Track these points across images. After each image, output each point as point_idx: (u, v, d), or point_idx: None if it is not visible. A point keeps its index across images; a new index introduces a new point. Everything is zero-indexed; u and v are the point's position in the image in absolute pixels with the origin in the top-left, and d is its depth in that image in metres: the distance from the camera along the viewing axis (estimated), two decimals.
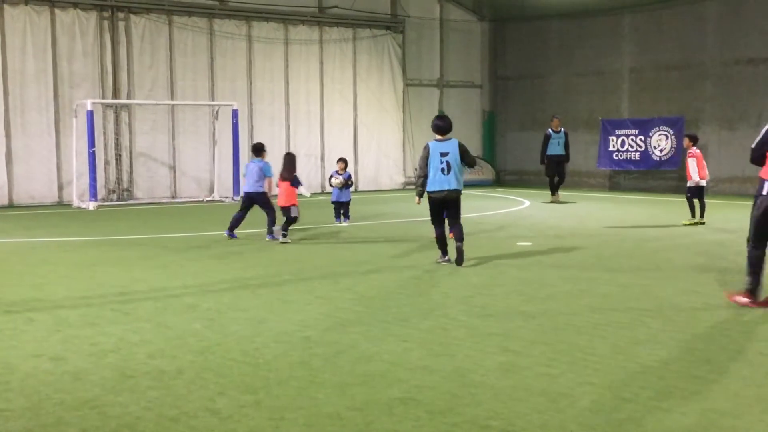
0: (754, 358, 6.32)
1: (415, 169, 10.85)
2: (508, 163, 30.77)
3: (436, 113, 29.28)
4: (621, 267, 11.09)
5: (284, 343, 6.92)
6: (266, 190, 14.30)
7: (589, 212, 18.87)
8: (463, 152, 11.04)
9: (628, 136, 26.44)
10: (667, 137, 25.32)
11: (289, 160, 14.36)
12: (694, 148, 16.47)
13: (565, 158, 22.41)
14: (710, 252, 12.40)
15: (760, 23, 23.99)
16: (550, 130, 22.43)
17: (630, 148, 26.38)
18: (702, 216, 16.28)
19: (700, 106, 25.43)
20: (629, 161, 26.29)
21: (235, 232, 14.42)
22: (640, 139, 26.13)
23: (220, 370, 6.13)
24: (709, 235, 14.57)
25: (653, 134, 25.67)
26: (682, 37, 25.82)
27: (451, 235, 11.35)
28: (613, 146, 26.58)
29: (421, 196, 11.37)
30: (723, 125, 24.93)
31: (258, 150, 14.76)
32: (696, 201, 16.27)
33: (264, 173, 14.22)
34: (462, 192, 11.18)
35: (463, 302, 8.64)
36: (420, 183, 11.19)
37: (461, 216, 11.36)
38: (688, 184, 16.31)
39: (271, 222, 14.18)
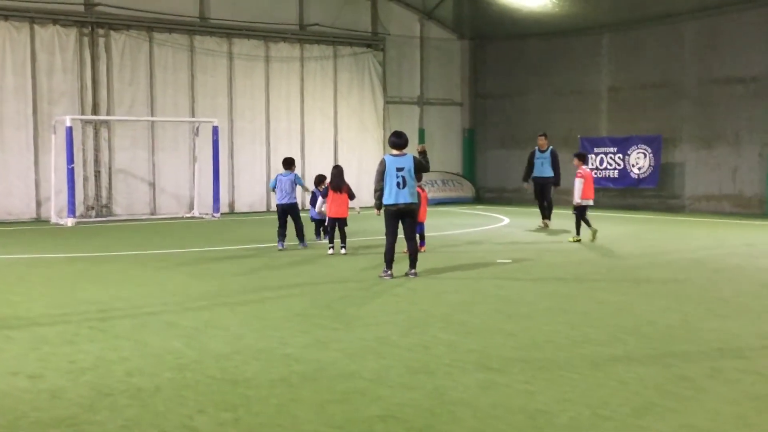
0: (731, 375, 6.37)
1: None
2: (488, 181, 30.88)
3: (417, 131, 29.43)
4: (599, 284, 11.15)
5: (264, 360, 6.91)
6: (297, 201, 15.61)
7: (567, 230, 18.94)
8: (417, 165, 11.63)
9: (606, 154, 26.67)
10: (645, 155, 25.55)
11: (339, 172, 15.01)
12: (584, 167, 16.82)
13: (551, 180, 19.68)
14: (688, 269, 12.49)
15: (736, 43, 24.29)
16: (536, 148, 20.15)
17: (609, 166, 26.60)
18: (579, 233, 16.53)
19: (677, 124, 25.66)
20: (608, 179, 26.50)
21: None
22: (619, 157, 26.36)
23: (198, 387, 6.11)
24: (687, 253, 14.68)
25: (631, 152, 25.90)
26: (660, 56, 26.10)
27: (405, 251, 11.92)
28: (592, 164, 26.75)
29: (379, 208, 11.67)
30: (700, 144, 25.17)
31: (288, 163, 15.81)
32: (577, 219, 16.54)
33: (297, 184, 15.51)
34: (416, 205, 11.77)
35: (443, 320, 8.65)
36: (377, 196, 11.54)
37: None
38: (574, 203, 16.60)
39: (300, 230, 15.40)
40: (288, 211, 15.36)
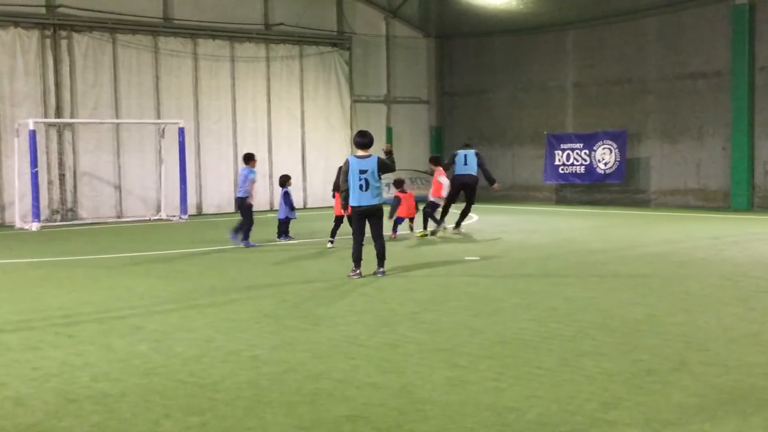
0: (696, 368, 6.43)
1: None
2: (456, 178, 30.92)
3: (384, 129, 29.44)
4: (567, 280, 11.22)
5: (232, 363, 6.87)
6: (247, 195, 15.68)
7: (535, 226, 19.06)
8: (381, 165, 11.56)
9: (573, 150, 26.82)
10: (611, 151, 25.74)
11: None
12: (440, 168, 17.55)
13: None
14: (654, 263, 12.61)
15: (699, 38, 24.54)
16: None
17: (575, 162, 26.76)
18: (426, 228, 17.28)
19: (642, 119, 25.90)
20: (575, 175, 26.67)
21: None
22: (585, 153, 26.53)
23: (165, 392, 6.06)
24: (653, 247, 14.82)
25: (597, 148, 26.08)
26: (624, 52, 26.32)
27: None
28: (559, 160, 26.94)
29: (345, 208, 11.78)
30: (665, 139, 25.42)
31: (246, 158, 16.14)
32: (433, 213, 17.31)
33: (248, 177, 15.75)
34: (381, 205, 11.67)
35: (411, 318, 8.66)
36: (344, 197, 11.62)
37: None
38: (431, 200, 17.37)
39: (240, 227, 15.59)
40: (237, 204, 16.31)
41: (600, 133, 26.17)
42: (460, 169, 17.56)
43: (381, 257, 11.74)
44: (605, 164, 25.95)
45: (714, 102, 24.22)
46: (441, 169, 17.67)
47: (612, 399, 5.68)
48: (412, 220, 17.60)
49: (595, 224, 19.30)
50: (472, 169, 17.57)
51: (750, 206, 23.38)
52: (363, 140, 11.64)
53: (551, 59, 28.30)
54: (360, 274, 11.50)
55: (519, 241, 16.26)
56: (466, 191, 17.70)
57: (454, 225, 17.72)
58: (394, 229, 16.93)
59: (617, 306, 9.14)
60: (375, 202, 11.48)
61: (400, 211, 17.09)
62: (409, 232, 17.53)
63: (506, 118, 29.52)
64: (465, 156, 17.59)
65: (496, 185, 18.42)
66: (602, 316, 8.56)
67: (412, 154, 30.28)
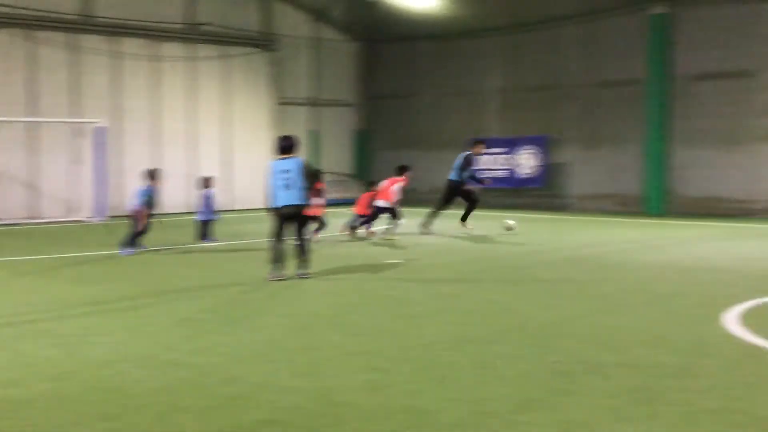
0: (609, 370, 6.54)
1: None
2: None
3: (309, 132, 29.32)
4: (486, 284, 11.31)
5: (146, 367, 6.72)
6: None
7: (458, 230, 19.17)
8: (305, 170, 11.48)
9: (496, 154, 27.17)
10: (532, 156, 26.15)
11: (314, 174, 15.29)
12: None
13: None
14: (571, 266, 12.81)
15: (616, 47, 25.09)
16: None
17: (499, 167, 27.11)
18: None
19: (562, 126, 26.37)
20: (498, 179, 26.98)
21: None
22: (508, 158, 26.90)
23: (76, 397, 5.89)
24: (571, 251, 15.06)
25: (519, 153, 26.47)
26: (546, 59, 26.78)
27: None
28: (482, 164, 27.21)
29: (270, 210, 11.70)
30: (584, 145, 25.93)
31: (149, 175, 15.19)
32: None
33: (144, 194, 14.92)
34: (305, 207, 11.53)
35: (332, 321, 8.62)
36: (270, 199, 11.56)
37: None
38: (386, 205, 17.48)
39: (129, 234, 14.80)
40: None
41: (522, 139, 26.57)
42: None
43: (303, 259, 11.66)
44: (527, 169, 26.35)
45: (630, 109, 24.81)
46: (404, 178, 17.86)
47: (526, 400, 5.73)
48: (369, 220, 17.77)
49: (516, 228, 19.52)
50: (455, 173, 18.51)
51: (664, 212, 23.98)
52: (283, 143, 11.60)
53: (475, 65, 28.61)
54: (281, 276, 11.39)
55: (442, 244, 16.36)
56: (457, 194, 18.54)
57: (460, 219, 18.55)
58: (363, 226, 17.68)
59: (535, 309, 9.25)
60: (299, 202, 11.38)
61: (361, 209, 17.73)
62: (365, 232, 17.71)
63: (431, 123, 29.71)
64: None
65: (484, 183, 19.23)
66: (520, 319, 8.65)
67: (336, 157, 30.26)
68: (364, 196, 18.07)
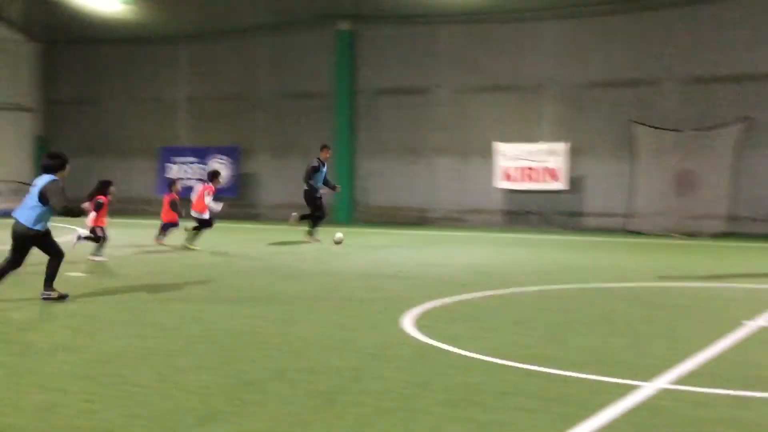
0: (294, 376, 6.62)
1: None
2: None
3: None
4: (176, 294, 11.07)
5: None
6: None
7: (146, 240, 18.60)
8: (47, 190, 9.73)
9: (187, 163, 26.84)
10: (224, 165, 26.12)
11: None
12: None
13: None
14: (259, 275, 12.91)
15: (306, 60, 25.78)
16: (317, 159, 18.77)
17: (191, 176, 26.78)
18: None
19: (253, 135, 26.61)
20: (190, 189, 26.64)
21: None
22: (199, 167, 26.66)
23: None
24: (261, 261, 15.16)
25: (210, 162, 26.33)
26: (237, 70, 26.91)
27: None
28: (173, 173, 26.78)
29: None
30: (274, 155, 26.34)
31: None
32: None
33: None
34: (30, 229, 9.83)
35: (3, 340, 7.98)
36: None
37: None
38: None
39: None
40: None
41: (213, 148, 26.46)
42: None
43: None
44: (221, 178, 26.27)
45: (319, 121, 25.60)
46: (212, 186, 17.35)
47: (210, 412, 5.64)
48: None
49: (208, 238, 19.35)
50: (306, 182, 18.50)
51: (351, 220, 24.97)
52: (46, 162, 10.16)
53: (165, 72, 28.07)
54: None
55: (128, 256, 15.80)
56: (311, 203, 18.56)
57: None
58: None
59: (222, 319, 9.18)
60: (20, 219, 9.91)
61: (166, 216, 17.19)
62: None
63: (119, 130, 28.70)
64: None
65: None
66: (206, 330, 8.54)
67: (14, 165, 28.24)
68: (165, 200, 17.52)
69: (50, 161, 10.11)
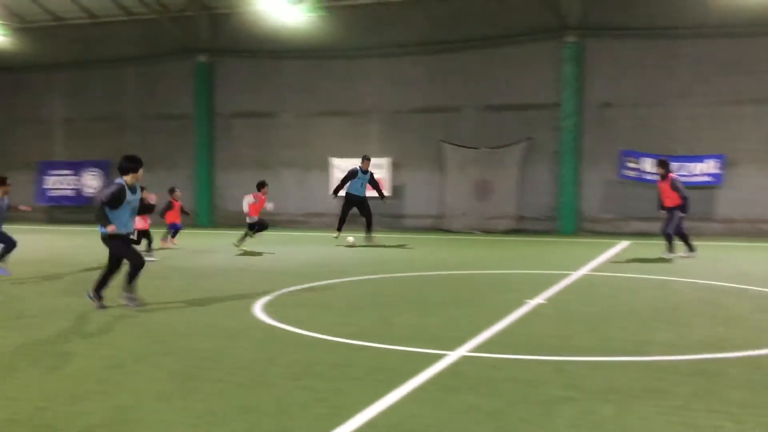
0: (155, 359, 6.38)
1: None
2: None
3: None
4: (73, 288, 10.45)
5: None
6: None
7: (31, 246, 17.44)
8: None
9: (62, 176, 25.61)
10: (96, 177, 25.12)
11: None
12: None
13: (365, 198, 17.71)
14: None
15: (169, 87, 24.99)
16: (359, 168, 17.51)
17: (66, 186, 25.64)
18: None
19: (123, 151, 25.08)
20: (65, 198, 25.56)
21: None
22: (74, 179, 25.49)
23: None
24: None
25: (85, 175, 25.25)
26: (109, 93, 25.95)
27: None
28: (50, 185, 25.47)
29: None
30: (144, 169, 25.32)
31: None
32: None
33: None
34: (100, 231, 8.84)
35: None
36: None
37: None
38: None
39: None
40: None
41: (87, 162, 25.36)
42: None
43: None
44: (92, 189, 25.22)
45: (182, 139, 24.96)
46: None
47: (81, 393, 5.34)
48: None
49: (77, 242, 18.42)
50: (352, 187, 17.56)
51: (212, 223, 24.41)
52: (127, 165, 9.09)
53: (42, 96, 26.58)
54: None
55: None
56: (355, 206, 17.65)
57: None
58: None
59: (92, 311, 8.73)
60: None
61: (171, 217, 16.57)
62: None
63: (0, 146, 26.86)
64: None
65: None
66: (80, 320, 8.10)
67: None
68: (176, 205, 17.33)
69: (122, 163, 9.10)
